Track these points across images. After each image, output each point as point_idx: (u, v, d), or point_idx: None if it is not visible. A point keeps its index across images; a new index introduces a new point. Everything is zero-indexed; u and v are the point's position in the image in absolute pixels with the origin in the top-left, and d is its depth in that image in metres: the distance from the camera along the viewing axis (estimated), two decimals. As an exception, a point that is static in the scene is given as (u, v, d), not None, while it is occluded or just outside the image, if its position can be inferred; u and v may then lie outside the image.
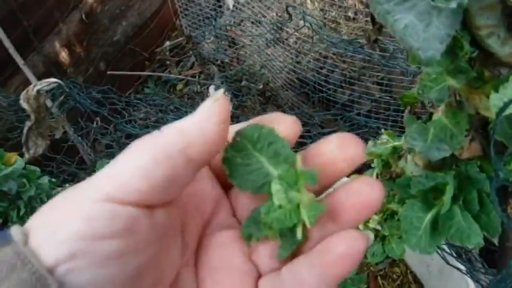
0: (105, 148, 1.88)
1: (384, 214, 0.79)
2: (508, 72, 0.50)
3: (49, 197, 1.25)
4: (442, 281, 1.38)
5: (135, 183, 0.29)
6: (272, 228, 0.31)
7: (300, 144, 1.62)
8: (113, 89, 1.38)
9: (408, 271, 1.55)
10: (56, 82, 1.04)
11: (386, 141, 0.76)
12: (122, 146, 1.55)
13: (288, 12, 1.36)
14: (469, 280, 1.24)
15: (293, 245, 0.32)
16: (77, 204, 0.28)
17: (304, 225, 0.31)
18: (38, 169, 1.26)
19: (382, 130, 0.79)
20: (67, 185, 1.33)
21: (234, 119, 2.02)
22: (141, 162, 0.29)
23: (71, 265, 0.26)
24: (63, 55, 2.77)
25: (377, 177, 0.78)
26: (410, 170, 0.72)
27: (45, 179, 1.27)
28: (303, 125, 1.81)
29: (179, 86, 3.03)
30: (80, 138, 1.67)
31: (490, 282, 0.82)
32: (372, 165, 0.81)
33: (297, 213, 0.31)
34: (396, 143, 0.74)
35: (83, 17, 2.82)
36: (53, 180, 1.31)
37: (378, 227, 0.82)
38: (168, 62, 3.28)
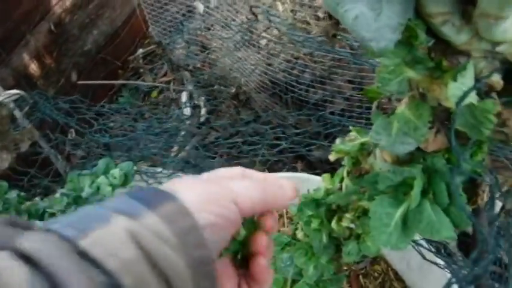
0: (80, 159, 1.85)
1: (356, 212, 0.77)
2: (466, 61, 0.49)
3: (18, 211, 1.22)
4: (422, 277, 1.38)
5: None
6: None
7: (276, 145, 1.61)
8: (82, 99, 1.35)
9: (389, 268, 1.54)
10: (17, 94, 1.01)
11: (354, 138, 0.74)
12: (97, 157, 1.52)
13: (253, 13, 1.35)
14: (449, 275, 1.23)
15: None
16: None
17: None
18: (5, 184, 1.23)
19: (350, 127, 0.77)
20: (37, 198, 1.30)
21: (207, 123, 2.01)
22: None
23: (212, 228, 0.39)
24: (33, 67, 2.72)
25: (347, 174, 0.77)
26: (379, 166, 0.71)
27: (13, 194, 1.24)
28: (277, 127, 1.82)
29: (153, 94, 3.00)
30: (53, 150, 1.63)
31: (467, 275, 0.81)
32: (343, 162, 0.79)
33: None
34: (364, 140, 0.72)
35: (52, 27, 2.77)
36: (22, 194, 1.27)
37: (352, 226, 0.80)
38: (141, 70, 3.24)
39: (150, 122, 1.56)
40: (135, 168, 1.49)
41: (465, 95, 0.46)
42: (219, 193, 0.43)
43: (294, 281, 0.90)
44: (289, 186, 0.52)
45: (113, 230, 0.34)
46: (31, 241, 0.32)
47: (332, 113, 1.60)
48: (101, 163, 1.35)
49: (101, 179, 1.32)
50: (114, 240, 0.33)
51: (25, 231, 0.33)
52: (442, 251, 1.16)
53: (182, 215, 0.37)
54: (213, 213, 0.40)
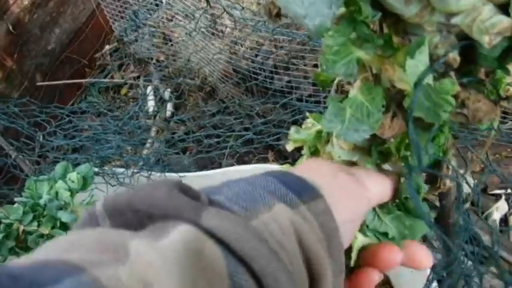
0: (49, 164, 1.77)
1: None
2: (420, 36, 0.44)
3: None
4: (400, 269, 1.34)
5: None
6: None
7: (241, 136, 1.56)
8: (32, 101, 1.28)
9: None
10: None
11: (310, 126, 0.69)
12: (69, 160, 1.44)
13: (206, 0, 1.29)
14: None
15: None
16: None
17: None
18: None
19: (307, 114, 0.72)
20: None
21: (176, 120, 1.94)
22: None
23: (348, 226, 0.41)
24: (-7, 70, 2.61)
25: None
26: (338, 155, 0.66)
27: (-37, 207, 1.16)
28: (244, 117, 1.76)
29: (123, 91, 2.91)
30: (21, 156, 1.55)
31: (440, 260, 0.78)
32: (302, 152, 0.74)
33: None
34: (320, 127, 0.67)
35: (10, 28, 2.67)
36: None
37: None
38: (109, 67, 3.15)
39: (105, 120, 1.49)
40: (95, 169, 1.42)
41: (423, 74, 0.40)
42: (355, 203, 0.45)
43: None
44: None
45: (278, 218, 0.34)
46: (213, 219, 0.31)
47: (300, 100, 1.55)
48: (58, 167, 1.28)
49: (59, 184, 1.26)
50: (279, 229, 0.33)
51: (203, 207, 0.32)
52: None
53: (330, 218, 0.38)
54: (348, 224, 0.42)
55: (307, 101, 1.54)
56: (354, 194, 0.45)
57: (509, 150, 1.66)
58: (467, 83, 0.46)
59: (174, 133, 1.84)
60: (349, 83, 0.63)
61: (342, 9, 0.42)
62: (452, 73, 0.45)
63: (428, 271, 1.20)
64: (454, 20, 0.42)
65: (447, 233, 0.76)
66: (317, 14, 0.33)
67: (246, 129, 1.57)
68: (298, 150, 0.81)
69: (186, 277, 0.27)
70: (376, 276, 0.47)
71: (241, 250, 0.30)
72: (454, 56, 0.44)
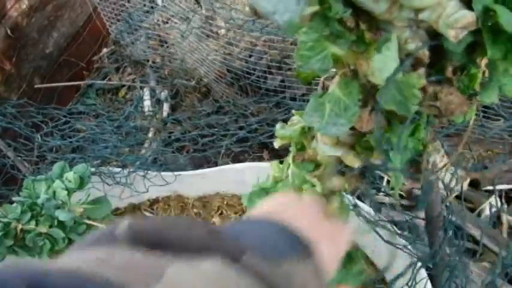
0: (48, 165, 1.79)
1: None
2: (388, 32, 0.46)
3: (-32, 224, 1.17)
4: (391, 258, 1.36)
5: None
6: None
7: (236, 135, 1.58)
8: (30, 102, 1.30)
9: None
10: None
11: (296, 122, 0.71)
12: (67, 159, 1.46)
13: (196, 1, 1.31)
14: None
15: None
16: None
17: None
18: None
19: (293, 111, 0.74)
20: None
21: (170, 122, 1.96)
22: None
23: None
24: (-8, 74, 2.63)
25: (292, 161, 0.74)
26: (322, 150, 0.68)
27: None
28: (239, 117, 1.78)
29: (121, 93, 2.93)
30: (19, 158, 1.57)
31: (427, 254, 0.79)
32: (290, 148, 0.76)
33: None
34: (304, 123, 0.69)
35: (8, 32, 2.69)
36: (-28, 206, 1.22)
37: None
38: (107, 70, 3.17)
39: (102, 120, 1.50)
40: (92, 169, 1.44)
41: (395, 71, 0.42)
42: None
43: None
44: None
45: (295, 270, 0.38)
46: (251, 258, 0.33)
47: (293, 99, 1.57)
48: (56, 167, 1.31)
49: (57, 184, 1.28)
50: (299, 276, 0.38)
51: (243, 248, 0.34)
52: (408, 231, 1.15)
53: (323, 272, 0.42)
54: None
55: (300, 100, 1.56)
56: (331, 241, 0.49)
57: (501, 147, 1.68)
58: (436, 79, 0.48)
59: (170, 133, 1.86)
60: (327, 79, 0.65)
61: (316, 7, 0.44)
62: (422, 69, 0.47)
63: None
64: (422, 16, 0.44)
65: (432, 226, 0.78)
66: (286, 10, 0.35)
67: (241, 128, 1.59)
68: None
69: None
70: None
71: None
72: (424, 52, 0.46)
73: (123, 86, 2.87)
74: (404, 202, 1.62)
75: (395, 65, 0.44)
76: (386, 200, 1.61)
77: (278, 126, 0.71)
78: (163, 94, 1.97)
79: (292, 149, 0.73)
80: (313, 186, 0.71)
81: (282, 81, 1.57)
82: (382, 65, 0.44)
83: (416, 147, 0.62)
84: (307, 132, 0.70)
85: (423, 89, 0.46)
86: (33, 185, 1.32)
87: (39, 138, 1.49)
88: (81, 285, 0.24)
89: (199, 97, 1.88)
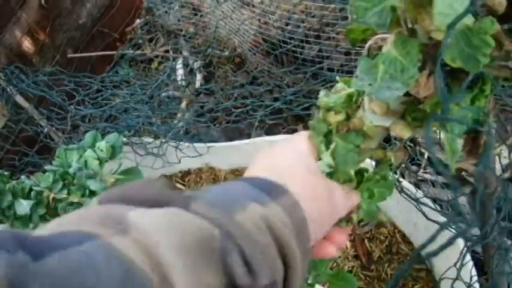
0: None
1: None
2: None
3: (1, 191, 1.16)
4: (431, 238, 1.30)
5: None
6: None
7: (270, 107, 1.52)
8: (62, 70, 1.27)
9: (396, 231, 1.47)
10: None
11: (340, 89, 0.66)
12: (99, 129, 1.44)
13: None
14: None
15: None
16: None
17: None
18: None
19: (337, 77, 0.69)
20: (23, 177, 1.24)
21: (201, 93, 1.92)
22: None
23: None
24: (26, 44, 2.63)
25: (336, 132, 0.69)
26: (369, 120, 0.62)
27: (-5, 173, 1.18)
28: (275, 88, 1.72)
29: (154, 64, 2.91)
30: (52, 127, 1.56)
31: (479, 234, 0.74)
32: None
33: None
34: (352, 90, 0.64)
35: (42, 2, 2.68)
36: (5, 173, 1.21)
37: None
38: (140, 41, 3.14)
39: (134, 89, 1.47)
40: (124, 139, 1.42)
41: (459, 17, 0.37)
42: (322, 216, 0.49)
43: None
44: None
45: (251, 216, 0.38)
46: (201, 208, 0.36)
47: (331, 70, 1.51)
48: (88, 136, 1.28)
49: (88, 153, 1.26)
50: (253, 225, 0.37)
51: (191, 199, 0.37)
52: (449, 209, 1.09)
53: (297, 209, 0.42)
54: (316, 217, 0.46)
55: (338, 71, 1.49)
56: (322, 197, 0.51)
57: None
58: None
59: (203, 104, 1.82)
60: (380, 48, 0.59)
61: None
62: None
63: (462, 245, 1.16)
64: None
65: (485, 205, 0.72)
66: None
67: (276, 99, 1.53)
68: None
69: (176, 237, 0.32)
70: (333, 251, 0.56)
71: (225, 229, 0.35)
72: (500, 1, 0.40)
73: (156, 57, 2.84)
74: (444, 179, 1.55)
75: (462, 9, 0.38)
76: (427, 176, 1.55)
77: (322, 93, 0.66)
78: (196, 64, 1.92)
79: (336, 118, 0.68)
80: (358, 157, 0.66)
81: (320, 51, 1.50)
82: (446, 8, 0.38)
83: (476, 117, 0.55)
84: (353, 100, 0.64)
85: (497, 45, 0.40)
86: (65, 154, 1.30)
87: (72, 106, 1.47)
88: (57, 239, 0.30)
89: (232, 68, 1.83)
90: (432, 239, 0.43)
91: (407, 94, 0.52)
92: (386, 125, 0.61)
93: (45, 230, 0.32)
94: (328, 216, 0.51)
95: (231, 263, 0.34)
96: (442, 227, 0.46)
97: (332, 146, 0.67)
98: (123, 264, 0.28)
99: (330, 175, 0.60)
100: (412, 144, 1.42)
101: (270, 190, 0.42)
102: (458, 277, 0.68)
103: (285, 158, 0.54)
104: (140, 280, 0.28)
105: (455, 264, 0.73)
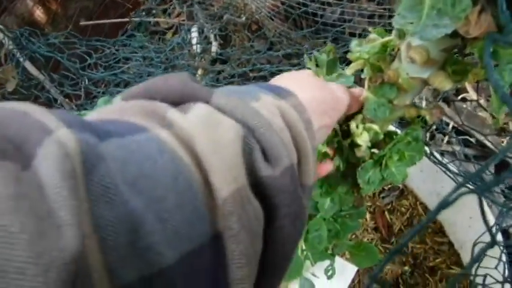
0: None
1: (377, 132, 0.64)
2: None
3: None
4: (454, 210, 1.25)
5: None
6: None
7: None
8: (75, 34, 1.23)
9: (418, 203, 1.42)
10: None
11: (374, 39, 0.60)
12: (112, 94, 1.40)
13: None
14: (485, 205, 1.11)
15: None
16: None
17: None
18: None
19: (370, 29, 0.63)
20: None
21: (219, 61, 1.86)
22: None
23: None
24: (38, 14, 2.59)
25: (368, 87, 0.64)
26: (406, 71, 0.57)
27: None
28: (293, 56, 1.66)
29: (168, 34, 2.85)
30: (60, 93, 1.53)
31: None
32: (362, 75, 0.66)
33: None
34: (386, 39, 0.58)
35: (54, -30, 2.63)
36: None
37: (374, 150, 0.68)
38: (154, 11, 3.08)
39: (148, 52, 1.42)
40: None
41: None
42: (322, 105, 0.50)
43: (309, 217, 0.79)
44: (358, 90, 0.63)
45: (266, 104, 0.39)
46: (221, 98, 0.36)
47: (353, 34, 1.44)
48: (100, 102, 1.24)
49: (101, 119, 1.22)
50: (268, 111, 0.38)
51: (212, 90, 0.38)
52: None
53: (303, 109, 0.42)
54: (316, 120, 0.46)
55: (360, 36, 1.42)
56: (324, 96, 0.52)
57: None
58: None
59: (219, 72, 1.77)
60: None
61: None
62: None
63: (491, 219, 1.11)
64: None
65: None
66: None
67: (294, 65, 1.47)
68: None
69: (211, 137, 0.32)
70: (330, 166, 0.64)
71: (245, 122, 0.35)
72: None
73: (171, 28, 2.78)
74: (470, 151, 1.49)
75: None
76: (452, 148, 1.49)
77: (354, 43, 0.61)
78: (212, 32, 1.87)
79: (368, 72, 0.63)
80: (390, 114, 0.61)
81: (342, 14, 1.43)
82: None
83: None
84: (388, 51, 0.59)
85: None
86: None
87: (81, 70, 1.42)
88: (111, 125, 0.30)
89: (249, 35, 1.77)
90: (452, 192, 0.38)
91: (453, 36, 0.47)
92: (425, 76, 0.56)
93: (92, 115, 0.33)
94: (329, 105, 0.52)
95: (252, 160, 0.34)
96: (460, 185, 0.42)
97: (364, 100, 0.62)
98: (174, 159, 0.29)
99: None
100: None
101: (278, 91, 0.43)
102: (495, 242, 0.63)
103: (285, 74, 0.57)
104: (188, 176, 0.29)
105: (490, 229, 0.67)
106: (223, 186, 0.30)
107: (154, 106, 0.33)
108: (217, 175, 0.30)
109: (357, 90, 0.63)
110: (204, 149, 0.31)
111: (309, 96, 0.47)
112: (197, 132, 0.31)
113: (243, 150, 0.33)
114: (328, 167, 0.64)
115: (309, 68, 0.66)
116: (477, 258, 0.34)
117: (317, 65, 0.67)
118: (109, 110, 0.34)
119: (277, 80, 0.53)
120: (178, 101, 0.35)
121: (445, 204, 0.29)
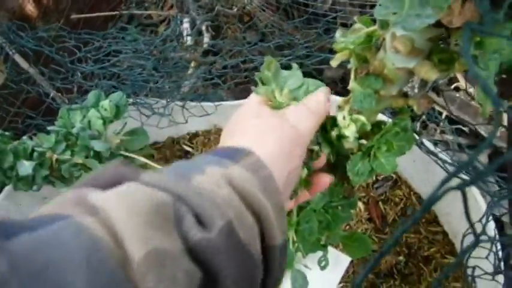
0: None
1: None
2: None
3: (2, 151, 1.12)
4: (448, 199, 1.25)
5: None
6: None
7: (286, 68, 1.45)
8: (64, 27, 1.22)
9: (412, 193, 1.42)
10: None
11: (359, 29, 0.60)
12: (103, 88, 1.39)
13: None
14: (478, 196, 1.11)
15: None
16: None
17: None
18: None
19: (355, 18, 0.63)
20: (24, 137, 1.20)
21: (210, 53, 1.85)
22: None
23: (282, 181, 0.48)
24: (29, 8, 2.56)
25: (354, 77, 0.63)
26: (391, 61, 0.56)
27: (-6, 134, 1.14)
28: (285, 47, 1.65)
29: (160, 28, 2.83)
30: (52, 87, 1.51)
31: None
32: (349, 65, 0.65)
33: None
34: (371, 29, 0.58)
35: (45, -37, 2.60)
36: (6, 133, 1.17)
37: (362, 141, 0.67)
38: (146, 4, 3.06)
39: (137, 45, 1.41)
40: (130, 100, 1.37)
41: None
42: (286, 147, 0.49)
43: (300, 208, 0.79)
44: (321, 94, 0.60)
45: (211, 176, 0.39)
46: (152, 177, 0.38)
47: (344, 25, 1.43)
48: (91, 95, 1.24)
49: (92, 113, 1.21)
50: (212, 183, 0.38)
51: (142, 172, 0.39)
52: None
53: (261, 167, 0.42)
54: (282, 169, 0.47)
55: (352, 26, 1.41)
56: (284, 149, 0.49)
57: None
58: None
59: (211, 64, 1.76)
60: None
61: None
62: None
63: (484, 209, 1.11)
64: None
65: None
66: None
67: (286, 56, 1.46)
68: (341, 81, 0.72)
69: (124, 207, 0.33)
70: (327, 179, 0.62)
71: (175, 192, 0.36)
72: None
73: (163, 21, 2.76)
74: (463, 140, 1.49)
75: None
76: (445, 138, 1.49)
77: (338, 33, 0.60)
78: (204, 25, 1.85)
79: (353, 62, 0.62)
80: (377, 105, 0.61)
81: (333, 4, 1.43)
82: None
83: (513, 54, 0.49)
84: (373, 41, 0.58)
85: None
86: (68, 115, 1.26)
87: (70, 63, 1.41)
88: (35, 221, 0.32)
89: (241, 27, 1.76)
90: (443, 183, 0.38)
91: (437, 26, 0.47)
92: (410, 66, 0.55)
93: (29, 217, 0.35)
94: (293, 143, 0.51)
95: (185, 226, 0.34)
96: (450, 175, 0.41)
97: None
98: (89, 238, 0.30)
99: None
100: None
101: (232, 155, 0.43)
102: (483, 232, 0.63)
103: (239, 116, 0.56)
104: (104, 253, 0.30)
105: (480, 220, 0.68)
106: (135, 250, 0.31)
107: (80, 194, 0.36)
108: (130, 241, 0.31)
109: (319, 98, 0.60)
110: (118, 220, 0.32)
111: (270, 144, 0.48)
112: (113, 205, 0.33)
113: (174, 217, 0.34)
114: (325, 181, 0.63)
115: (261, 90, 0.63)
116: (468, 250, 0.34)
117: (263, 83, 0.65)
118: (55, 202, 0.36)
119: (234, 134, 0.52)
120: (114, 184, 0.37)
121: (434, 199, 0.29)
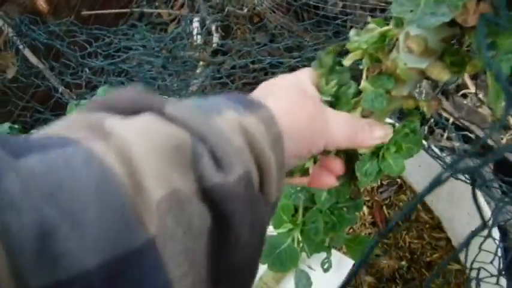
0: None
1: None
2: None
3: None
4: (452, 205, 1.26)
5: None
6: None
7: (292, 70, 1.46)
8: (75, 22, 1.23)
9: (416, 198, 1.42)
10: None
11: (372, 29, 0.60)
12: (112, 84, 1.39)
13: None
14: (483, 200, 1.11)
15: None
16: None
17: None
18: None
19: (369, 18, 0.63)
20: (33, 131, 1.20)
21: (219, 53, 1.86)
22: None
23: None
24: (41, 3, 2.59)
25: (366, 77, 0.63)
26: (404, 61, 0.57)
27: (4, 126, 1.15)
28: (295, 49, 1.66)
29: (170, 27, 2.85)
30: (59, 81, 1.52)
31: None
32: (361, 66, 0.65)
33: None
34: (385, 29, 0.58)
35: (57, -41, 2.62)
36: (15, 126, 1.18)
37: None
38: (156, 4, 3.08)
39: (147, 42, 1.42)
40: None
41: None
42: (308, 134, 0.48)
43: (306, 209, 0.79)
44: (379, 128, 0.58)
45: (228, 120, 0.38)
46: (175, 110, 0.35)
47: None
48: (100, 91, 1.24)
49: (100, 108, 1.22)
50: (230, 128, 0.37)
51: (166, 102, 0.37)
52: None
53: (274, 122, 0.41)
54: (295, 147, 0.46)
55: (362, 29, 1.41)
56: (305, 116, 0.48)
57: None
58: None
59: (220, 64, 1.76)
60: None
61: None
62: None
63: (489, 215, 1.10)
64: None
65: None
66: None
67: (295, 58, 1.47)
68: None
69: (147, 142, 0.32)
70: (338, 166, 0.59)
71: (197, 131, 0.34)
72: None
73: (173, 20, 2.78)
74: (469, 147, 1.48)
75: None
76: (449, 144, 1.49)
77: (352, 32, 0.60)
78: (214, 24, 1.86)
79: (366, 62, 0.62)
80: (388, 105, 0.61)
81: (344, 7, 1.43)
82: None
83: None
84: (386, 41, 0.59)
85: None
86: (76, 109, 1.27)
87: (80, 58, 1.42)
88: (43, 141, 0.31)
89: (251, 28, 1.77)
90: (438, 178, 0.39)
91: (451, 25, 0.47)
92: (423, 66, 0.55)
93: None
94: (308, 135, 0.48)
95: (201, 167, 0.34)
96: (448, 167, 0.42)
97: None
98: (100, 168, 0.29)
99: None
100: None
101: (247, 104, 0.41)
102: (490, 235, 0.63)
103: (280, 81, 0.54)
104: (114, 186, 0.29)
105: (485, 225, 0.67)
106: (157, 189, 0.31)
107: (94, 117, 0.34)
108: (151, 179, 0.31)
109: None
110: (139, 155, 0.31)
111: (284, 106, 0.46)
112: (134, 138, 0.32)
113: (191, 157, 0.34)
114: (329, 181, 0.60)
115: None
116: (466, 244, 0.34)
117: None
118: (61, 124, 0.34)
119: (268, 84, 0.52)
120: (132, 112, 0.35)
121: (436, 182, 0.29)
